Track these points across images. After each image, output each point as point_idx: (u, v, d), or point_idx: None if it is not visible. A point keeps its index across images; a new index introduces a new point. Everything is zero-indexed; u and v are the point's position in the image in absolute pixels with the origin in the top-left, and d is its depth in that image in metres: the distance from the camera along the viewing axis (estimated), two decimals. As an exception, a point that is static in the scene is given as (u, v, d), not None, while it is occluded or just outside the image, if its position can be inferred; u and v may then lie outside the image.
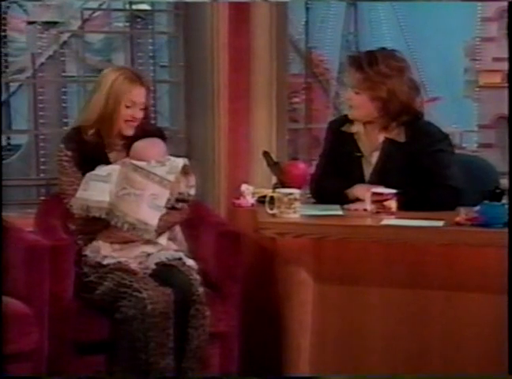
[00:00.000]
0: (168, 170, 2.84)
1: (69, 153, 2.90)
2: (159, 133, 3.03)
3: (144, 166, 2.83)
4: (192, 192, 2.92)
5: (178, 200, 2.89)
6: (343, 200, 2.84)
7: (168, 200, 2.85)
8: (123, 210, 2.79)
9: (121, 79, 2.88)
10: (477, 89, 5.41)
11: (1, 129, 3.28)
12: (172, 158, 2.90)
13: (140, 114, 2.92)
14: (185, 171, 2.89)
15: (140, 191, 2.80)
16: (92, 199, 2.81)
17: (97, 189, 2.81)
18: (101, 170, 2.86)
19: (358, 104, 2.86)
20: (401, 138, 2.88)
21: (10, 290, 2.74)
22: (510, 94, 2.70)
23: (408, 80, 2.87)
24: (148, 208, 2.79)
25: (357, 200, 2.83)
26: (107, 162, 2.91)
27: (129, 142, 2.95)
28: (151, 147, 2.91)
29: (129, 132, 2.93)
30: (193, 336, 2.74)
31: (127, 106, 2.88)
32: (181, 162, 2.88)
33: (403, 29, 5.53)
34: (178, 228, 2.98)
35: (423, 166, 2.83)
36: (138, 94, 2.90)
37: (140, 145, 2.91)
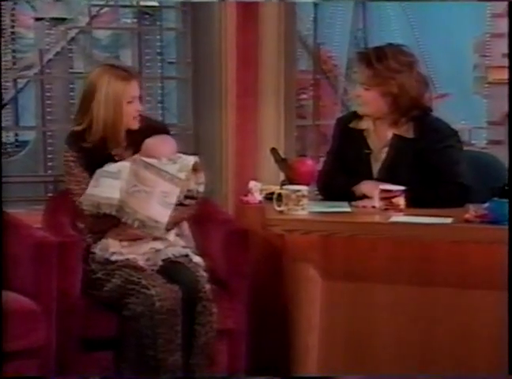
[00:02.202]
0: (179, 168, 2.84)
1: (74, 154, 2.90)
2: (164, 129, 3.02)
3: (155, 164, 2.83)
4: (201, 189, 2.92)
5: (186, 197, 2.88)
6: (350, 196, 2.82)
7: (177, 197, 2.85)
8: (133, 207, 2.79)
9: (113, 80, 2.86)
10: (486, 85, 5.37)
11: (0, 127, 3.28)
12: (183, 156, 2.89)
13: (141, 106, 2.92)
14: (195, 168, 2.89)
15: (150, 188, 2.80)
16: (103, 195, 2.80)
17: (107, 186, 2.81)
18: (111, 166, 2.86)
19: (368, 100, 2.84)
20: (410, 134, 2.87)
21: (18, 287, 2.74)
22: (510, 92, 2.70)
23: (418, 75, 2.86)
24: (158, 205, 2.79)
25: (364, 196, 2.82)
26: (114, 160, 2.89)
27: (133, 140, 2.93)
28: (162, 144, 2.90)
29: (136, 126, 2.92)
30: (201, 333, 2.74)
31: (129, 102, 2.88)
32: (192, 160, 2.88)
33: (412, 25, 5.49)
34: (185, 224, 2.97)
35: (431, 163, 2.81)
36: (134, 88, 2.89)
37: (151, 142, 2.90)
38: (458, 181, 2.77)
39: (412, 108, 2.84)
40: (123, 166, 2.84)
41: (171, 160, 2.85)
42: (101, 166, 2.86)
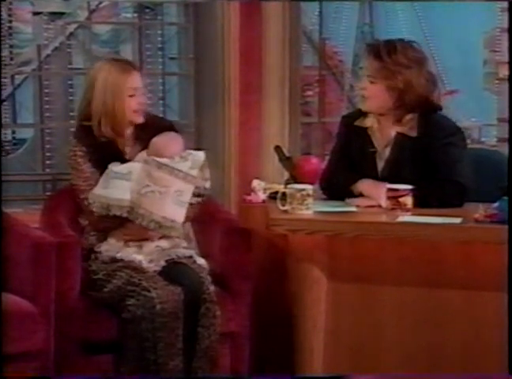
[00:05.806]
0: (191, 165, 2.83)
1: (83, 148, 2.87)
2: (171, 127, 2.99)
3: (168, 163, 2.80)
4: (207, 185, 2.92)
5: (194, 195, 2.86)
6: (350, 195, 2.79)
7: (190, 195, 2.82)
8: (148, 208, 2.77)
9: (113, 72, 2.85)
10: (497, 81, 5.31)
11: (0, 124, 3.25)
12: (193, 152, 2.88)
13: (144, 99, 2.90)
14: (203, 164, 2.87)
15: (165, 188, 2.78)
16: (113, 197, 2.78)
17: (118, 187, 2.79)
18: (121, 167, 2.84)
19: (373, 94, 2.81)
20: (413, 133, 2.83)
21: (16, 288, 2.73)
22: (511, 93, 2.67)
23: (426, 73, 2.84)
24: (173, 204, 2.78)
25: (361, 195, 2.78)
26: (123, 156, 2.87)
27: (140, 135, 2.91)
28: (172, 143, 2.88)
29: (140, 120, 2.89)
30: (204, 336, 2.72)
31: (131, 96, 2.85)
32: (202, 156, 2.87)
33: (420, 20, 5.44)
34: (188, 224, 2.95)
35: (431, 160, 2.77)
36: (135, 79, 2.88)
37: (160, 142, 2.87)
38: (455, 180, 2.72)
39: (418, 106, 2.81)
40: (133, 167, 2.82)
41: (182, 158, 2.83)
42: (110, 162, 2.83)
